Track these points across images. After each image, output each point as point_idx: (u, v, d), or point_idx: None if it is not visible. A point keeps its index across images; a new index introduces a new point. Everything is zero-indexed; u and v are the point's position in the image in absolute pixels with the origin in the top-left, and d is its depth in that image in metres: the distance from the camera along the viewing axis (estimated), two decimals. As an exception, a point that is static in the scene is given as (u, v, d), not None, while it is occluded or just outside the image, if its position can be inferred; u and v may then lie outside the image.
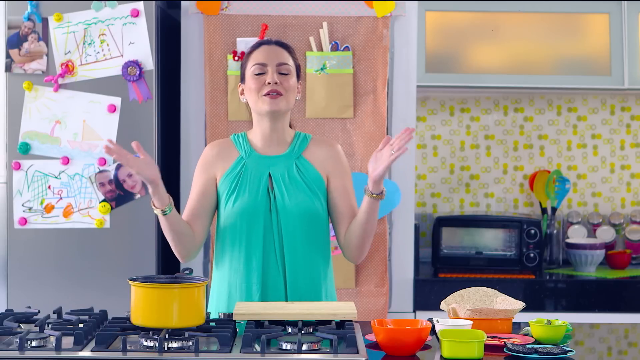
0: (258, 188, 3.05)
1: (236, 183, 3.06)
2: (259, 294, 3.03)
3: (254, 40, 3.96)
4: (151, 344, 2.54)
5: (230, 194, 3.06)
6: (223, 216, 3.09)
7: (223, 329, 2.63)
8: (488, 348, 2.67)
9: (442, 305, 2.95)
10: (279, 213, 3.04)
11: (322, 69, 3.99)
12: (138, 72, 3.91)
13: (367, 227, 3.04)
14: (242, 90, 3.13)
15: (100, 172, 3.93)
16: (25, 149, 3.93)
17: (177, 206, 4.02)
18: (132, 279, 2.64)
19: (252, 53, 3.11)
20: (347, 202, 3.11)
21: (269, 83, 3.03)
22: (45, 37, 3.92)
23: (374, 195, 2.98)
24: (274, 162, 3.08)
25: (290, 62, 3.10)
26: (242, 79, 3.13)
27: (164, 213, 2.98)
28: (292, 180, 3.05)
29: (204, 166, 3.13)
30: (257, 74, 3.05)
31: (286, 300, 3.03)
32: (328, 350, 2.51)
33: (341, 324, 2.74)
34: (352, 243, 3.09)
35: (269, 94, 3.03)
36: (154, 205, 2.98)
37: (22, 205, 3.94)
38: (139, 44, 3.93)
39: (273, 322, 2.76)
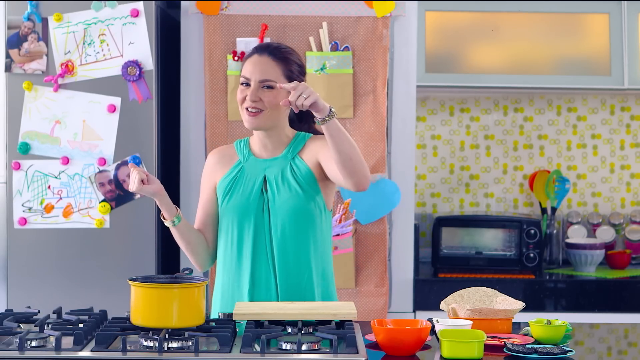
0: (252, 189, 3.06)
1: (232, 185, 3.09)
2: (248, 293, 3.03)
3: (253, 40, 3.96)
4: (151, 344, 2.54)
5: (225, 194, 3.09)
6: (220, 217, 3.12)
7: (223, 329, 2.63)
8: (488, 348, 2.67)
9: (442, 305, 2.95)
10: (270, 213, 3.04)
11: (322, 69, 3.99)
12: (138, 72, 3.91)
13: (341, 149, 2.83)
14: None
15: (100, 172, 3.93)
16: (25, 149, 3.93)
17: (177, 206, 4.01)
18: (132, 279, 2.64)
19: (246, 60, 3.07)
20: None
21: (248, 99, 3.02)
22: (45, 37, 3.92)
23: (325, 119, 2.79)
24: (270, 165, 3.08)
25: (277, 75, 3.01)
26: None
27: (174, 224, 3.04)
28: (284, 181, 3.05)
29: (207, 175, 3.18)
30: (241, 84, 3.06)
31: (277, 300, 3.03)
32: (328, 350, 2.51)
33: (341, 324, 2.73)
34: (342, 172, 2.88)
35: (248, 110, 3.03)
36: (163, 218, 3.06)
37: (22, 205, 3.94)
38: (138, 44, 3.93)
39: (273, 322, 2.76)
